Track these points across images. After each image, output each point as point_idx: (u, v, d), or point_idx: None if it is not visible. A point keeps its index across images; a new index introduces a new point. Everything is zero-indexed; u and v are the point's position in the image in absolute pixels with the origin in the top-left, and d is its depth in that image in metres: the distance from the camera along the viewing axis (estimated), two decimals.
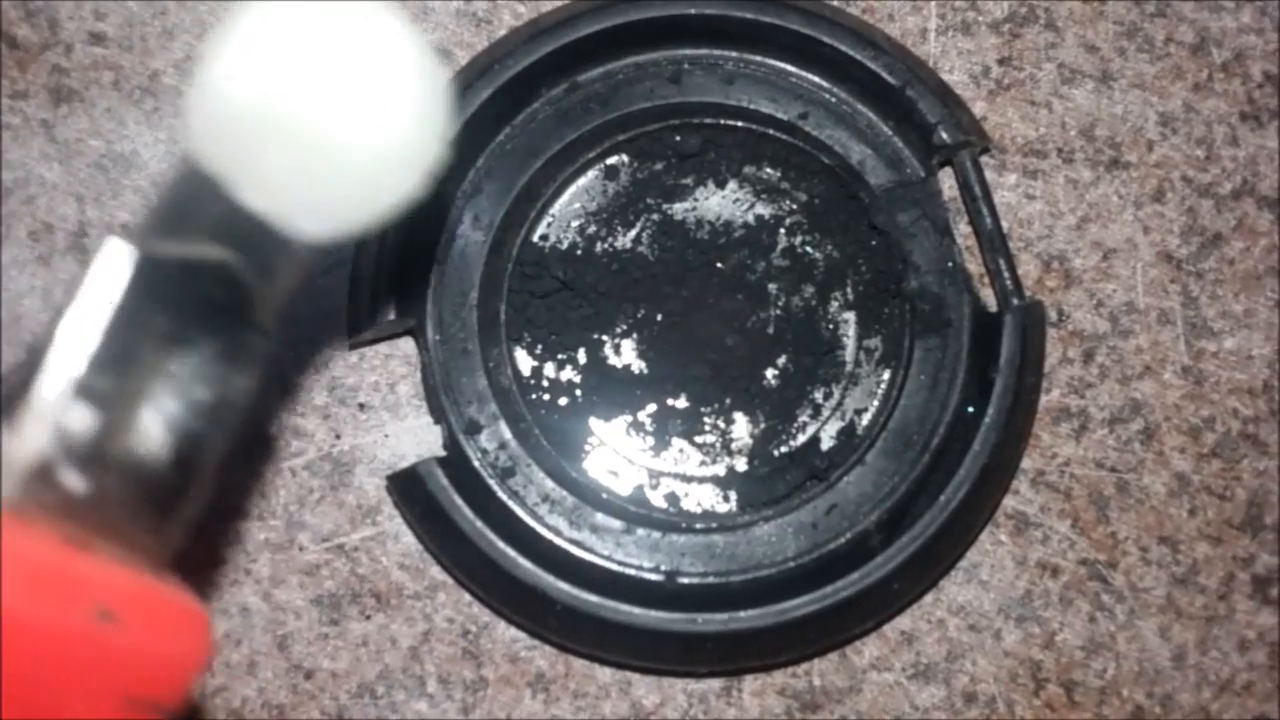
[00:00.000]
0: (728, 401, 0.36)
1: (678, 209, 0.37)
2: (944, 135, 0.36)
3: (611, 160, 0.37)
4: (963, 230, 0.37)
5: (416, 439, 0.37)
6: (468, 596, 0.36)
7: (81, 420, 0.20)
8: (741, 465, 0.36)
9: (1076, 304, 0.37)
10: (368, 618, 0.36)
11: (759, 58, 0.36)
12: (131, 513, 0.20)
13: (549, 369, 0.36)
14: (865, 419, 0.36)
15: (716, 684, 0.35)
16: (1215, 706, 0.36)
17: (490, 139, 0.36)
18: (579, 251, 0.37)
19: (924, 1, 0.38)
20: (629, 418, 0.36)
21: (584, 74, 0.36)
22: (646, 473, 0.36)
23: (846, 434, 0.36)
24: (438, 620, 0.36)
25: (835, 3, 0.38)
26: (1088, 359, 0.37)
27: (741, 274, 0.37)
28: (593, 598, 0.33)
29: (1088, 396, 0.37)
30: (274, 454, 0.36)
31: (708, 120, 0.37)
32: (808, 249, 0.37)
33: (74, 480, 0.20)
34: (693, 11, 0.36)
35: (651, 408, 0.36)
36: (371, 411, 0.37)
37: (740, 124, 0.37)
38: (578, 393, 0.36)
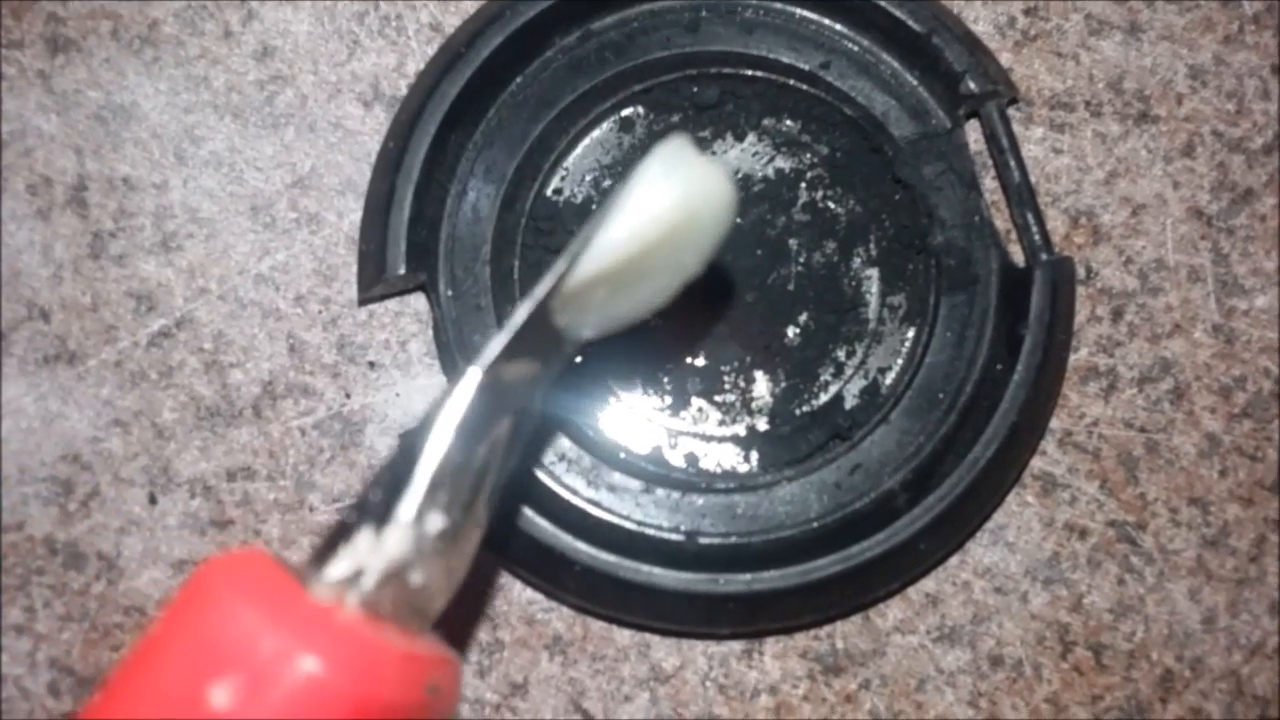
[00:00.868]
0: (748, 360, 0.35)
1: None
2: (971, 84, 0.35)
3: (626, 112, 0.36)
4: (988, 185, 0.36)
5: (428, 397, 0.36)
6: (481, 556, 0.35)
7: (435, 525, 0.22)
8: (762, 425, 0.35)
9: (1105, 261, 0.37)
10: None
11: (779, 4, 0.35)
12: (446, 590, 0.23)
13: None
14: (889, 377, 0.35)
15: (737, 646, 0.35)
16: (1246, 670, 0.35)
17: (502, 89, 0.35)
18: (594, 206, 0.36)
19: None
20: (646, 376, 0.35)
21: (598, 21, 0.35)
22: (665, 432, 0.35)
23: (870, 393, 0.35)
24: None
25: None
26: (1116, 317, 0.36)
27: (761, 229, 0.36)
28: (611, 558, 0.32)
29: (1116, 355, 0.36)
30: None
31: (726, 70, 0.36)
32: (829, 203, 0.36)
33: (419, 576, 0.22)
34: None
35: (669, 366, 0.35)
36: (382, 370, 0.36)
37: (759, 74, 0.36)
38: (594, 350, 0.35)
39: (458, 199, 0.35)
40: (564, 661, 0.35)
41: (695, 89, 0.36)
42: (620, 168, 0.36)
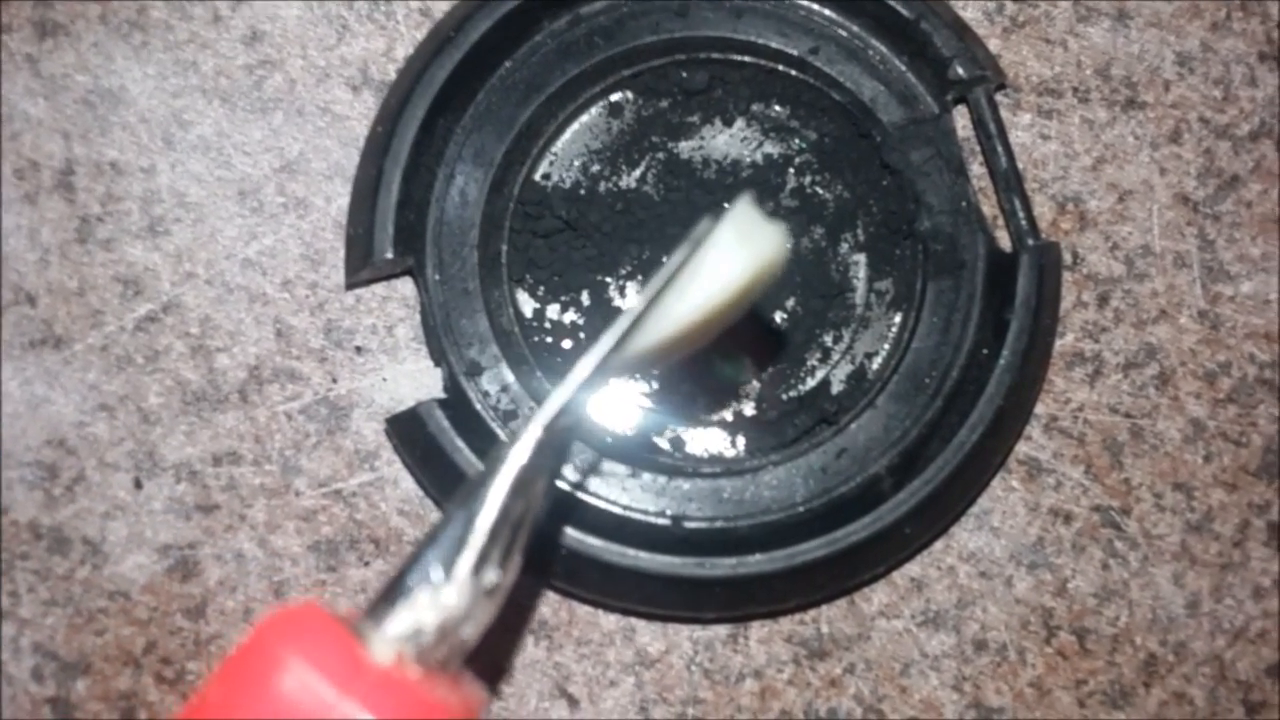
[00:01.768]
0: (735, 345, 0.35)
1: (684, 148, 0.36)
2: (959, 70, 0.35)
3: (615, 97, 0.36)
4: (976, 171, 0.36)
5: (415, 383, 0.36)
6: None
7: (489, 579, 0.23)
8: (749, 409, 0.35)
9: (1091, 247, 0.37)
10: (366, 564, 0.35)
11: None
12: (481, 635, 0.24)
13: (552, 310, 0.35)
14: (876, 362, 0.35)
15: (723, 631, 0.35)
16: (1229, 655, 0.35)
17: (491, 73, 0.35)
18: (582, 191, 0.36)
19: None
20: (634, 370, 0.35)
21: (587, 6, 0.35)
22: (652, 417, 0.35)
23: (857, 377, 0.35)
24: None
25: None
26: (1102, 303, 0.36)
27: None
28: (597, 542, 0.33)
29: (1102, 341, 0.36)
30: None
31: (715, 55, 0.36)
32: (817, 189, 0.36)
33: (470, 629, 0.23)
34: None
35: None
36: (369, 354, 0.36)
37: (748, 59, 0.36)
38: (581, 335, 0.35)
39: (446, 183, 0.35)
40: (549, 646, 0.35)
41: (684, 74, 0.36)
42: (609, 153, 0.36)
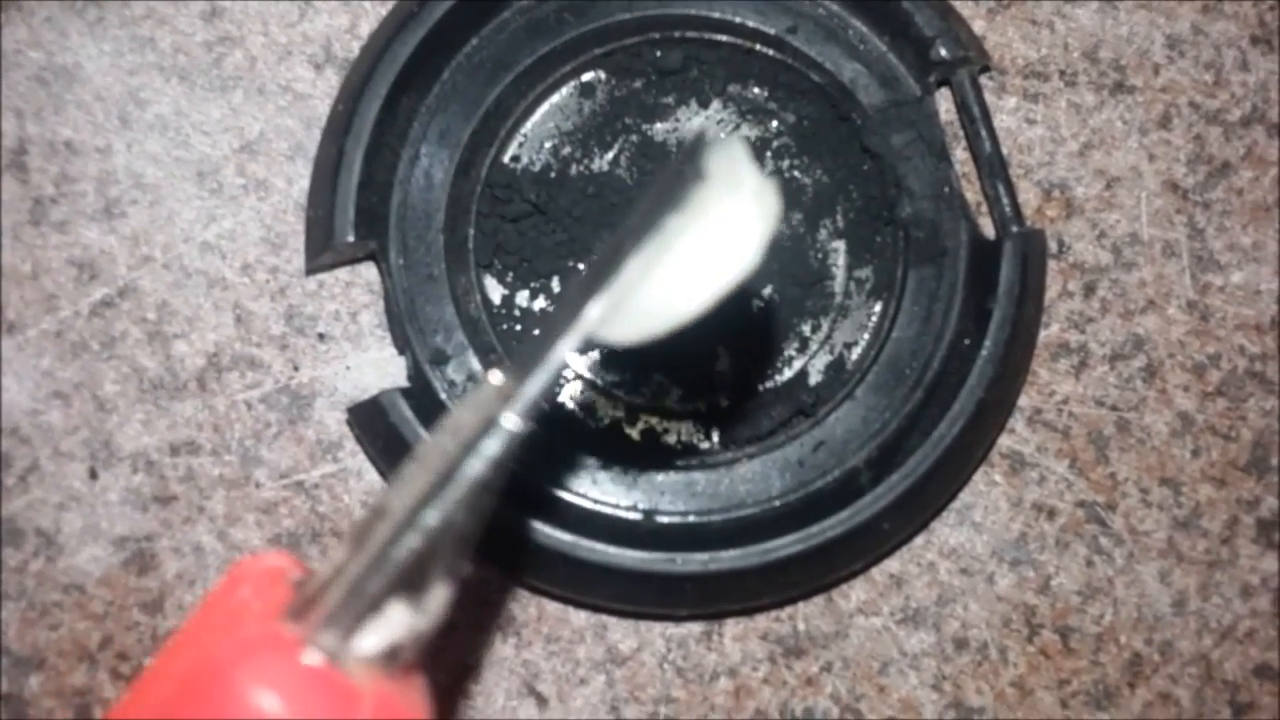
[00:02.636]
0: (709, 333, 0.34)
1: (658, 130, 0.35)
2: (942, 51, 0.34)
3: (587, 76, 0.35)
4: (959, 156, 0.35)
5: (380, 371, 0.34)
6: None
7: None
8: (724, 400, 0.34)
9: (1078, 235, 0.36)
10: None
11: None
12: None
13: (521, 297, 0.34)
14: (855, 352, 0.34)
15: (696, 628, 0.34)
16: (1216, 654, 0.34)
17: (456, 51, 0.34)
18: (553, 174, 0.35)
19: None
20: (605, 351, 0.34)
21: None
22: (624, 407, 0.34)
23: (835, 368, 0.34)
24: None
25: None
26: (1089, 292, 0.35)
27: None
28: (566, 536, 0.31)
29: (1088, 331, 0.35)
30: None
31: (690, 34, 0.34)
32: (795, 173, 0.35)
33: (433, 628, 0.21)
34: None
35: None
36: (332, 342, 0.35)
37: (724, 39, 0.34)
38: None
39: (410, 165, 0.33)
40: (517, 643, 0.34)
41: (658, 53, 0.35)
42: (581, 134, 0.35)
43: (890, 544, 0.33)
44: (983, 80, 0.35)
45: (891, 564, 0.34)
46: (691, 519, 0.32)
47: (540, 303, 0.34)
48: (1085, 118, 0.36)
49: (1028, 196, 0.35)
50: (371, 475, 0.34)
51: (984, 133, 0.34)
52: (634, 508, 0.32)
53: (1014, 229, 0.33)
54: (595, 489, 0.32)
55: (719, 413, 0.34)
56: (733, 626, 0.34)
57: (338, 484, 0.34)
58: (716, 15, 0.34)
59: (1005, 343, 0.33)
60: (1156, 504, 0.35)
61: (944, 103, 0.35)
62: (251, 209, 0.35)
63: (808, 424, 0.33)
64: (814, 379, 0.34)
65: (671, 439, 0.34)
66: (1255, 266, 0.36)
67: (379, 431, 0.32)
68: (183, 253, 0.35)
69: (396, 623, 0.20)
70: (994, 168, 0.34)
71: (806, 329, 0.34)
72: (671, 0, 0.34)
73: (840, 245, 0.35)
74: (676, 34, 0.34)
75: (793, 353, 0.34)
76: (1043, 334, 0.35)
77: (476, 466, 0.20)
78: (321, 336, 0.35)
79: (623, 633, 0.34)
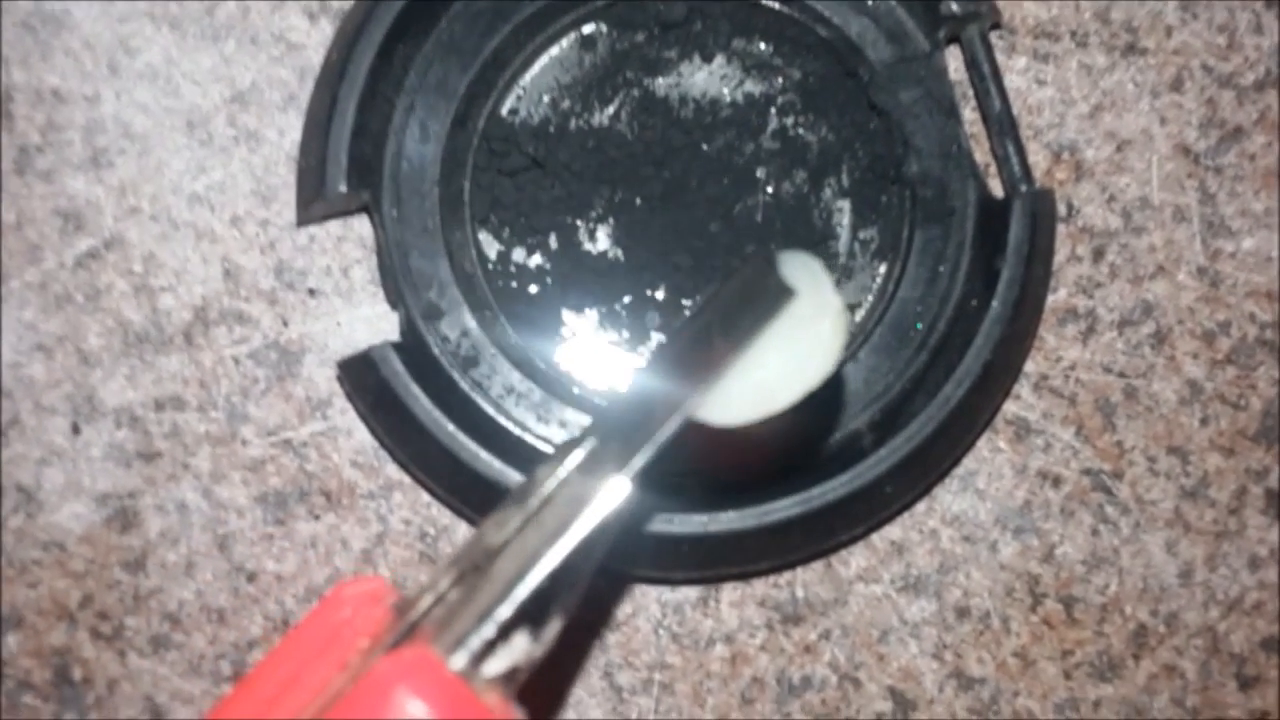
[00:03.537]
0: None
1: (660, 85, 0.34)
2: (953, 5, 0.33)
3: (587, 29, 0.34)
4: (967, 116, 0.34)
5: (372, 328, 0.34)
6: (425, 497, 0.33)
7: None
8: None
9: (1087, 198, 0.35)
10: (317, 518, 0.33)
11: None
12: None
13: (518, 254, 0.33)
14: (859, 314, 0.33)
15: (693, 593, 0.33)
16: (1223, 627, 0.34)
17: None
18: (551, 127, 0.34)
19: None
20: (603, 309, 0.33)
21: None
22: (618, 365, 0.33)
23: None
24: (393, 521, 0.33)
25: None
26: (1098, 257, 0.35)
27: (728, 157, 0.34)
28: None
29: (1096, 297, 0.34)
30: None
31: None
32: (800, 131, 0.34)
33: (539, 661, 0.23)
34: None
35: (627, 299, 0.33)
36: (322, 297, 0.34)
37: None
38: (548, 279, 0.33)
39: (405, 115, 0.32)
40: None
41: (661, 6, 0.34)
42: (581, 88, 0.34)
43: (892, 509, 0.33)
44: (993, 40, 0.34)
45: (893, 530, 0.33)
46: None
47: (537, 259, 0.33)
48: (1096, 79, 0.35)
49: (1037, 159, 0.35)
50: (362, 434, 0.33)
51: (994, 90, 0.33)
52: None
53: (1023, 188, 0.33)
54: None
55: None
56: (730, 592, 0.33)
57: (327, 442, 0.33)
58: None
59: (1013, 304, 0.32)
60: (1164, 473, 0.34)
61: (953, 61, 0.34)
62: (242, 161, 0.34)
63: None
64: None
65: None
66: (1267, 233, 0.35)
67: (369, 386, 0.32)
68: (171, 204, 0.34)
69: (518, 649, 0.22)
70: (1003, 125, 0.33)
71: None
72: None
73: (845, 205, 0.34)
74: None
75: None
76: (1050, 299, 0.34)
77: (591, 524, 0.23)
78: (312, 292, 0.34)
79: (617, 597, 0.33)
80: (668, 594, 0.33)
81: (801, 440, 0.32)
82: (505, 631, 0.22)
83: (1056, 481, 0.34)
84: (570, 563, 0.22)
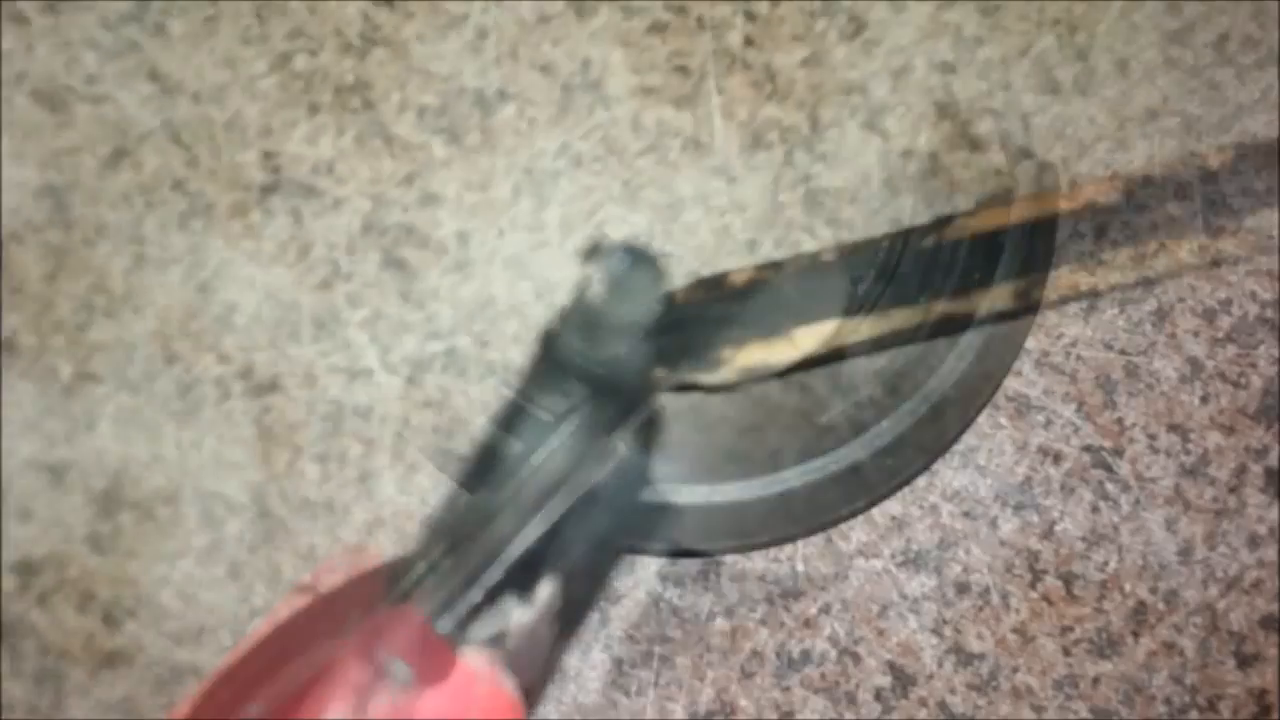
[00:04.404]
0: None
1: None
2: None
3: None
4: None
5: None
6: None
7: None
8: None
9: (1089, 174, 0.35)
10: None
11: None
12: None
13: None
14: (861, 288, 0.33)
15: (693, 567, 0.33)
16: (1222, 604, 0.34)
17: None
18: None
19: None
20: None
21: None
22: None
23: None
24: None
25: None
26: (1100, 234, 0.35)
27: None
28: None
29: (1098, 274, 0.34)
30: None
31: None
32: None
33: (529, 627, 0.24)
34: None
35: None
36: None
37: None
38: None
39: None
40: None
41: None
42: None
43: (893, 482, 0.33)
44: None
45: (893, 506, 0.33)
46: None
47: None
48: None
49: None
50: None
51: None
52: None
53: (1025, 160, 0.33)
54: None
55: None
56: (730, 566, 0.33)
57: None
58: None
59: (1015, 278, 0.32)
60: (1164, 450, 0.34)
61: None
62: None
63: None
64: None
65: None
66: (1268, 212, 0.35)
67: None
68: None
69: (507, 614, 0.23)
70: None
71: None
72: None
73: None
74: None
75: None
76: (1052, 275, 0.34)
77: (579, 490, 0.24)
78: None
79: (618, 570, 0.33)
80: (668, 567, 0.33)
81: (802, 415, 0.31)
82: (492, 596, 0.23)
83: (1057, 458, 0.34)
84: (559, 529, 0.23)
